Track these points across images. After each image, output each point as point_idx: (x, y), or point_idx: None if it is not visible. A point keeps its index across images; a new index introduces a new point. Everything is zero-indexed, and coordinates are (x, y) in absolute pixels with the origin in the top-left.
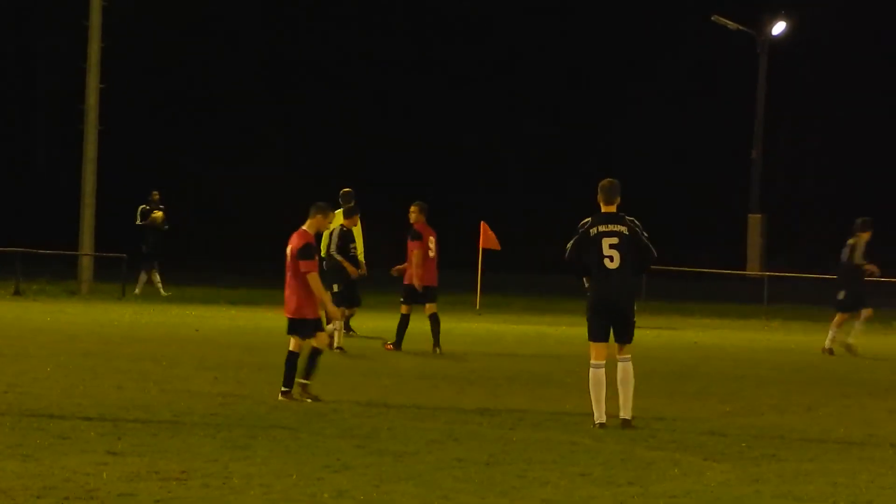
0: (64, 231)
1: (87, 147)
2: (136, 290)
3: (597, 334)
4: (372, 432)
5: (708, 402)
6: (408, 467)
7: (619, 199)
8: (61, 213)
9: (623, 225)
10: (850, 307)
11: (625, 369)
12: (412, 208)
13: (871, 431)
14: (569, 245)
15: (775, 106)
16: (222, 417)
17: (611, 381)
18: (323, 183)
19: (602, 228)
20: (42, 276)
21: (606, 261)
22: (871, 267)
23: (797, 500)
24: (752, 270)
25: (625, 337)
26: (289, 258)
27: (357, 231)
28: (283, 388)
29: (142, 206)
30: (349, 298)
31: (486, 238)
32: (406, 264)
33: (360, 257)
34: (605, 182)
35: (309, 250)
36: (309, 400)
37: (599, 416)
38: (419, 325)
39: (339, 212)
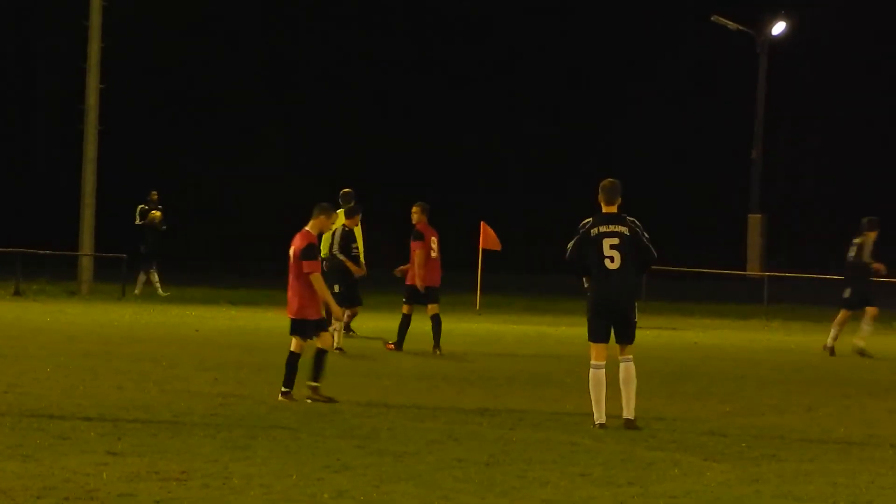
0: (64, 231)
1: (87, 147)
2: (136, 291)
3: (597, 335)
4: (372, 432)
5: (708, 403)
6: (408, 467)
7: (619, 200)
8: (61, 213)
9: (624, 225)
10: (855, 305)
11: (627, 369)
12: (414, 209)
13: (872, 432)
14: (569, 245)
15: (775, 106)
16: (222, 417)
17: (611, 381)
18: (323, 183)
19: (603, 229)
20: (42, 276)
21: (607, 261)
22: (878, 266)
23: (797, 500)
24: (752, 270)
25: (626, 337)
26: (292, 259)
27: (357, 231)
28: (283, 389)
29: (140, 206)
30: (350, 299)
31: (487, 238)
32: (408, 265)
33: (361, 257)
34: (605, 182)
35: (312, 251)
36: (321, 401)
37: (599, 416)
38: (420, 325)
39: (342, 212)
